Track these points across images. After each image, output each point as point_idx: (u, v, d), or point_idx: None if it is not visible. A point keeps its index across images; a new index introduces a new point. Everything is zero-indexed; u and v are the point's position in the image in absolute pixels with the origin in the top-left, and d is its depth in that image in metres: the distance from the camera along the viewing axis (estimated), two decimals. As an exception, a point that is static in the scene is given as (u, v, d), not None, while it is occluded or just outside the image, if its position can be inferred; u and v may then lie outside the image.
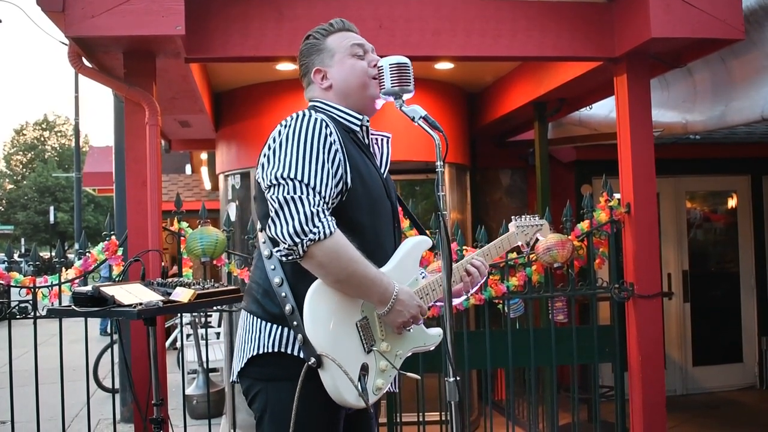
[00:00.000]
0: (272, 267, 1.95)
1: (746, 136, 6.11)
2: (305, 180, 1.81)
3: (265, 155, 1.91)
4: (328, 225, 1.79)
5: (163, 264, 3.51)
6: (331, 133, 1.90)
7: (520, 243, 2.42)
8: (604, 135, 5.60)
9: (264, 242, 1.99)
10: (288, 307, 1.89)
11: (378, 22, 3.71)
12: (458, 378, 1.93)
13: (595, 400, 4.15)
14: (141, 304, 2.69)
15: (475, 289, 2.24)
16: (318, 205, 1.80)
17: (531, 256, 3.89)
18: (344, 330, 1.90)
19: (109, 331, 11.62)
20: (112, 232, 3.68)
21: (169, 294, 2.84)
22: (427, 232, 2.26)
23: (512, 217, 2.46)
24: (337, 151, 1.90)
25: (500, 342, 3.98)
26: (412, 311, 1.94)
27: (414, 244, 2.08)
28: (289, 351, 1.91)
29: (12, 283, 3.61)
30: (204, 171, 11.02)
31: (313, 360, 1.83)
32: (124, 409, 6.17)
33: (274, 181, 1.83)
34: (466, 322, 4.03)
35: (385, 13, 3.73)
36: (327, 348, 1.84)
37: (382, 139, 2.18)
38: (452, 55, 4.00)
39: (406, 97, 2.06)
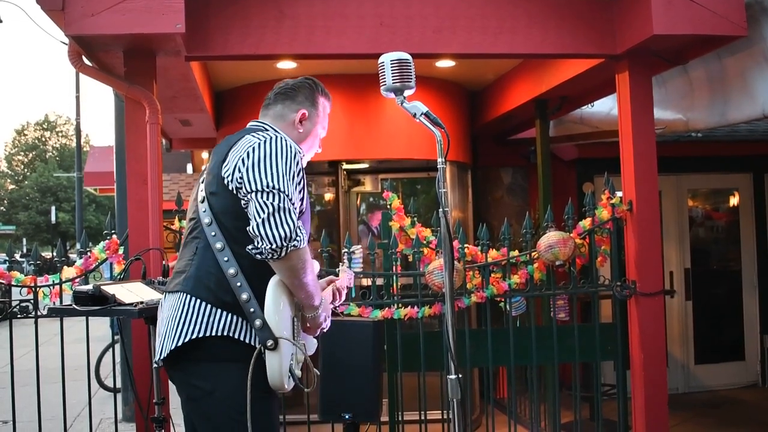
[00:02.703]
0: (225, 259, 2.10)
1: (748, 133, 6.10)
2: (290, 196, 2.04)
3: (247, 160, 2.07)
4: (305, 237, 2.04)
5: (164, 262, 3.51)
6: (299, 162, 2.13)
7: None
8: (605, 133, 5.59)
9: (214, 235, 2.13)
10: (245, 296, 2.07)
11: (379, 19, 3.70)
12: (460, 375, 1.93)
13: (597, 399, 4.14)
14: (142, 302, 2.70)
15: (339, 302, 2.56)
16: (298, 220, 2.03)
17: (533, 254, 3.89)
18: (289, 321, 2.12)
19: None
20: (113, 231, 3.68)
21: (170, 292, 2.83)
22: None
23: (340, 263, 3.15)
24: (302, 179, 2.14)
25: (502, 340, 3.97)
26: (327, 314, 2.28)
27: None
28: (236, 336, 2.08)
29: (13, 283, 3.61)
30: (205, 170, 11.02)
31: (271, 342, 2.04)
32: (125, 409, 6.16)
33: (267, 188, 2.01)
34: (468, 320, 4.01)
35: (385, 11, 3.72)
36: (283, 333, 2.05)
37: None
38: (453, 53, 3.99)
39: (407, 93, 2.07)
